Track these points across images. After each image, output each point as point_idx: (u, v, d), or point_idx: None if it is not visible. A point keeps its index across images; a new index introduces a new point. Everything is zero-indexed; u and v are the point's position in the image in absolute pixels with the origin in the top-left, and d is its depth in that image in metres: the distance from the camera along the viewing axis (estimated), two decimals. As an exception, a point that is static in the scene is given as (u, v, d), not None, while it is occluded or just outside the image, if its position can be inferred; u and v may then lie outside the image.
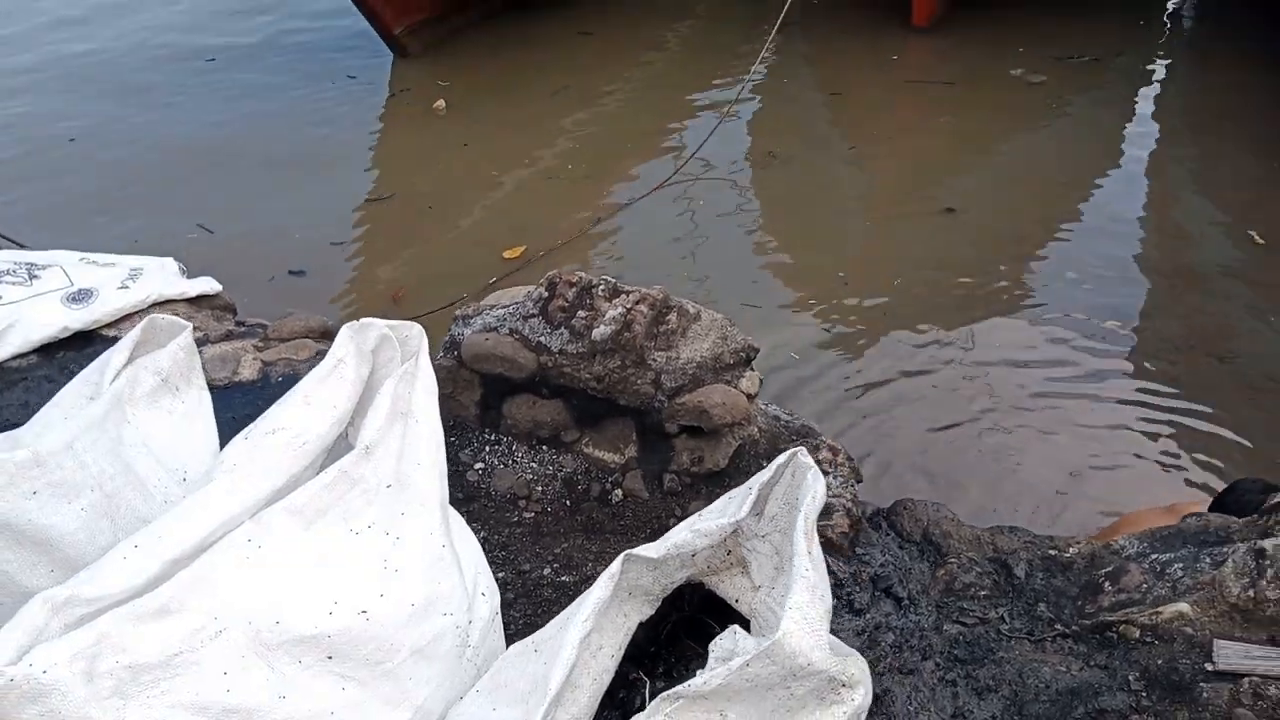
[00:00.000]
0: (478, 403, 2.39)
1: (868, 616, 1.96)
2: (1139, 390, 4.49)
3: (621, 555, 1.26)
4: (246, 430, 1.29)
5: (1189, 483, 3.85)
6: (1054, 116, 6.95)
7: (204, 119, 7.36)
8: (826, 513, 2.09)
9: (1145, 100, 7.18)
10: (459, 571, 1.32)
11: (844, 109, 7.34)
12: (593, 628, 1.20)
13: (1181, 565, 1.86)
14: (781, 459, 1.35)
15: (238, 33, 8.78)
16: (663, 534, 1.34)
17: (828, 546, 2.04)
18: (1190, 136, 6.74)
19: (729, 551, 1.38)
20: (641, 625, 1.31)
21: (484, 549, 1.99)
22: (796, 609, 1.15)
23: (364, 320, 1.39)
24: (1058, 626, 1.87)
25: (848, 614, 1.96)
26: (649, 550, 1.27)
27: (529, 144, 6.86)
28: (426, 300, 4.93)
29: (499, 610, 1.50)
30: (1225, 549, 1.83)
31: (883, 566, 2.10)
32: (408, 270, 5.65)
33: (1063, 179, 6.23)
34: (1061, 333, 4.86)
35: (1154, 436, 4.20)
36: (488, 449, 2.38)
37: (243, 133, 7.10)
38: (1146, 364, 4.66)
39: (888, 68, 7.75)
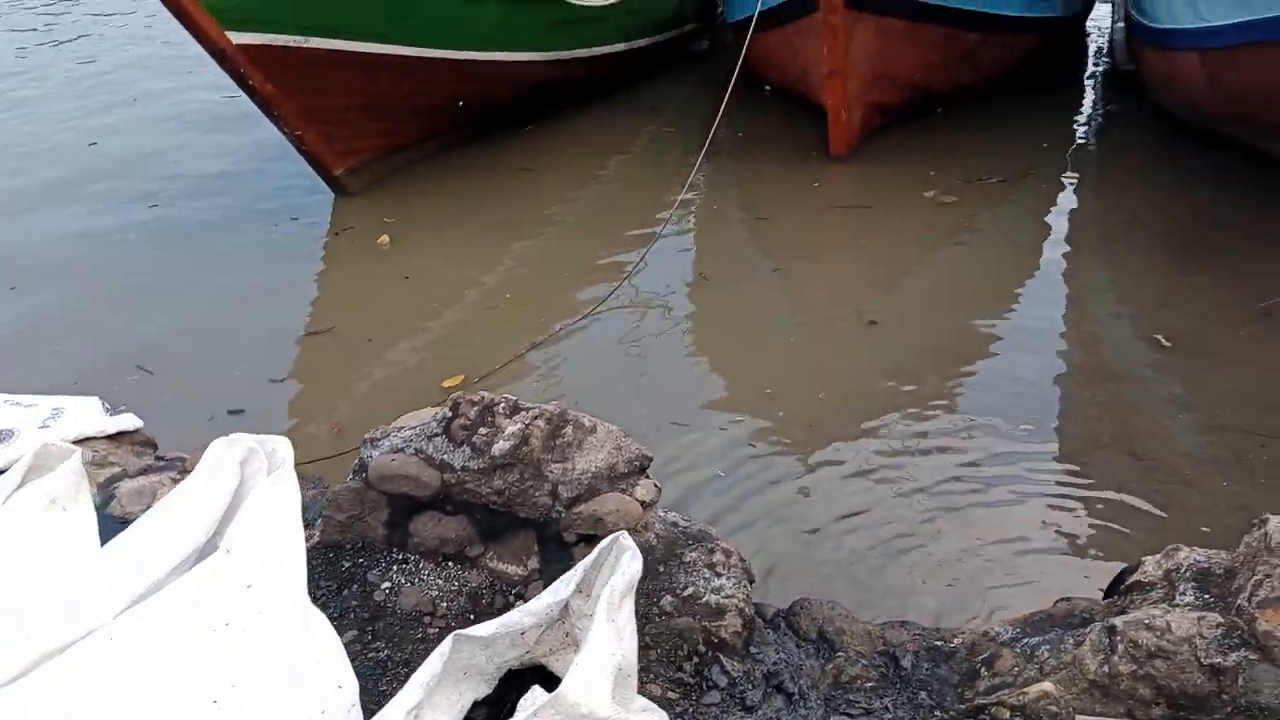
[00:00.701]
0: (385, 523, 2.47)
1: (759, 713, 2.02)
2: (1053, 487, 4.65)
3: (451, 635, 1.33)
4: (120, 536, 1.37)
5: (1087, 576, 3.96)
6: (967, 234, 7.34)
7: (144, 258, 7.50)
8: (719, 613, 2.17)
9: (1054, 216, 7.59)
10: (315, 664, 1.38)
11: (770, 232, 7.70)
12: (419, 700, 1.27)
13: (1048, 647, 1.95)
14: (605, 543, 1.45)
15: (180, 176, 9.03)
16: (561, 645, 1.42)
17: (720, 646, 2.12)
18: (1098, 248, 7.11)
19: (566, 633, 1.46)
20: (482, 704, 1.37)
21: (388, 666, 2.04)
22: (582, 664, 1.23)
23: (233, 435, 1.49)
24: (937, 713, 1.95)
25: (739, 711, 2.01)
26: (479, 630, 1.35)
27: (470, 275, 7.08)
28: (365, 431, 5.00)
29: (357, 703, 1.55)
30: (1086, 630, 1.94)
31: (775, 664, 2.17)
32: (347, 403, 5.73)
33: (978, 292, 6.52)
34: (978, 435, 5.04)
35: (1064, 531, 4.34)
36: (395, 568, 2.45)
37: (183, 272, 7.24)
38: (1060, 462, 4.83)
39: (810, 193, 8.17)
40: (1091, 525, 4.36)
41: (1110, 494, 4.58)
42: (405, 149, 8.62)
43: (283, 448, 1.49)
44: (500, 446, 2.26)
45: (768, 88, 10.28)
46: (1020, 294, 6.54)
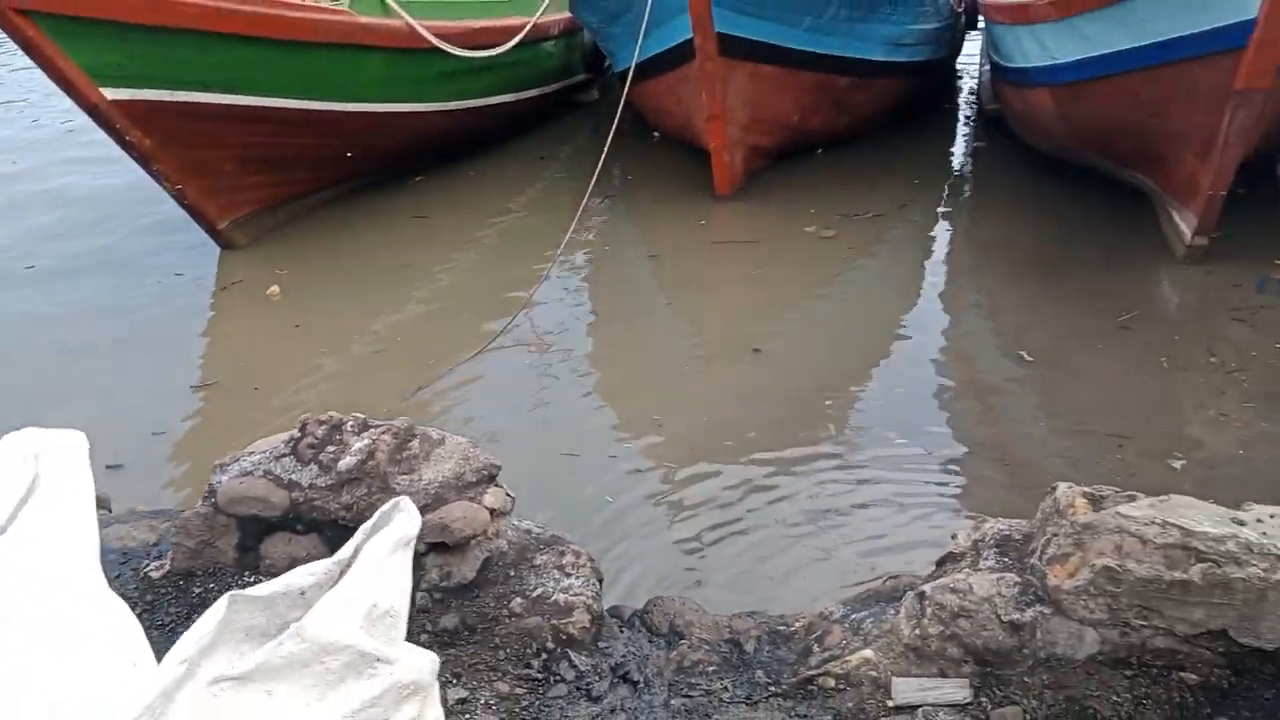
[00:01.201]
0: (236, 546, 2.47)
1: (605, 702, 2.08)
2: (926, 493, 4.84)
3: (227, 594, 1.37)
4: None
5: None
6: (848, 265, 7.64)
7: (24, 315, 7.29)
8: (568, 611, 2.23)
9: (927, 246, 7.97)
10: (110, 645, 1.40)
11: (661, 269, 7.89)
12: (192, 655, 1.30)
13: (872, 619, 2.07)
14: (385, 506, 1.51)
15: (59, 235, 8.80)
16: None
17: (569, 642, 2.18)
18: (968, 275, 7.46)
19: (346, 593, 1.50)
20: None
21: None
22: (332, 598, 1.29)
23: (26, 429, 1.51)
24: (772, 689, 2.03)
25: (585, 701, 2.07)
26: (258, 590, 1.39)
27: (361, 321, 7.05)
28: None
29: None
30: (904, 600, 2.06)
31: (624, 656, 2.23)
32: (230, 452, 5.63)
33: (858, 318, 6.80)
34: (856, 449, 5.23)
35: (932, 533, 4.51)
36: (248, 590, 2.44)
37: (64, 328, 7.05)
38: (933, 471, 5.03)
39: (698, 231, 8.41)
40: (959, 527, 4.55)
41: (978, 496, 4.81)
42: (292, 200, 8.59)
43: (76, 438, 1.51)
44: (346, 462, 2.29)
45: (656, 134, 10.57)
46: (897, 319, 6.82)
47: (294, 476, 2.37)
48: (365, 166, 9.08)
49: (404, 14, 8.37)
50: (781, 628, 2.28)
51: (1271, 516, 1.96)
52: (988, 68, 10.92)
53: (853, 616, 2.13)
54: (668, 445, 5.31)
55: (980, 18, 10.48)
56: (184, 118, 7.25)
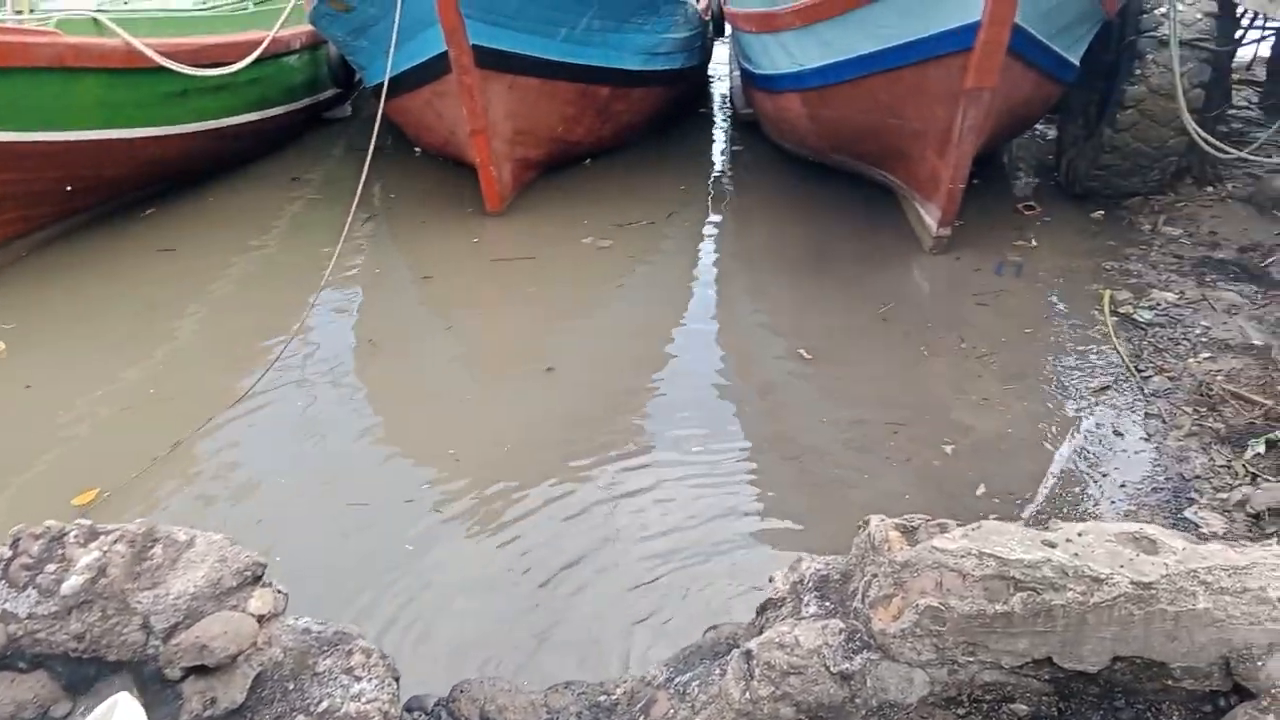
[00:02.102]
0: (-57, 698, 2.01)
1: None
2: (722, 497, 4.90)
3: None
4: None
5: (755, 587, 4.15)
6: (625, 275, 7.63)
7: None
8: (362, 721, 1.96)
9: (699, 251, 8.13)
10: None
11: (437, 291, 7.56)
12: None
13: (699, 682, 1.94)
14: (101, 708, 1.23)
15: None
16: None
17: (370, 756, 1.91)
18: (740, 277, 7.67)
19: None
20: None
21: None
22: None
23: None
24: (601, 772, 1.87)
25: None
26: None
27: (105, 373, 6.29)
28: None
29: None
30: (729, 657, 1.95)
31: (434, 760, 1.99)
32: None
33: (642, 329, 6.79)
34: (654, 461, 5.21)
35: (733, 540, 4.56)
36: (-33, 748, 2.00)
37: None
38: (727, 475, 5.09)
39: (472, 250, 8.15)
40: (754, 532, 4.62)
41: (771, 494, 4.91)
42: (6, 242, 7.56)
43: None
44: (72, 583, 1.90)
45: (417, 149, 10.18)
46: (679, 326, 6.88)
47: (8, 606, 1.95)
48: (89, 200, 8.14)
49: (121, 32, 7.53)
50: (603, 698, 2.12)
51: (1080, 535, 2.00)
52: (738, 74, 11.29)
53: (677, 680, 1.99)
54: (470, 483, 5.05)
55: (727, 25, 10.80)
56: None
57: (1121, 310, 6.57)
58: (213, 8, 9.48)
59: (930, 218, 7.44)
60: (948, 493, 4.86)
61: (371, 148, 7.55)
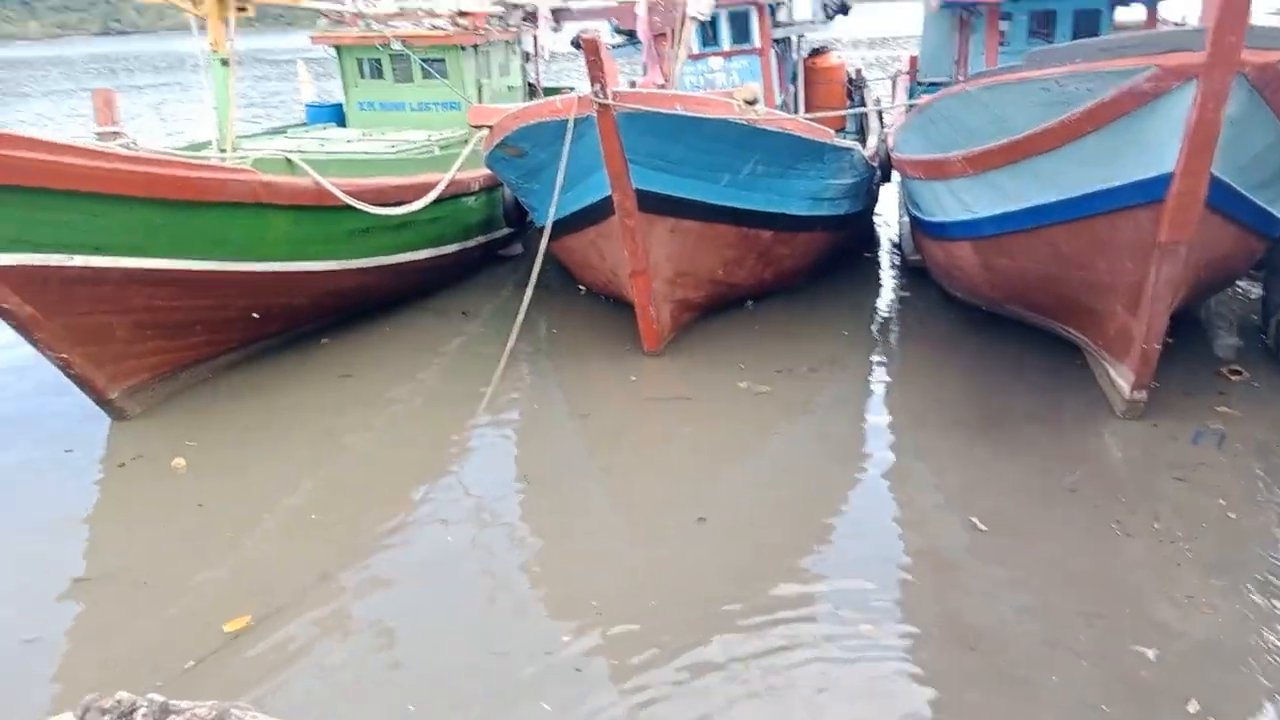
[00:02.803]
0: None
1: None
2: (890, 685, 4.44)
3: None
4: None
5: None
6: (784, 422, 7.39)
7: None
8: None
9: (862, 402, 7.78)
10: None
11: (593, 428, 7.53)
12: None
13: None
14: None
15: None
16: None
17: None
18: (907, 433, 7.22)
19: None
20: None
21: None
22: None
23: None
24: None
25: None
26: None
27: (275, 495, 6.49)
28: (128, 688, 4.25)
29: None
30: None
31: None
32: (111, 659, 4.95)
33: (802, 481, 6.49)
34: (816, 634, 4.84)
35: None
36: None
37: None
38: (895, 659, 4.65)
39: (629, 387, 8.12)
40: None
41: (944, 689, 4.41)
42: (192, 365, 8.04)
43: None
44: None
45: (581, 287, 10.39)
46: (841, 482, 6.52)
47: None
48: (273, 327, 8.62)
49: (311, 172, 8.08)
50: None
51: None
52: (906, 220, 11.12)
53: None
54: (610, 638, 4.83)
55: (895, 171, 10.71)
56: (72, 283, 6.74)
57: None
58: (400, 151, 10.12)
59: (1122, 379, 6.91)
60: (1153, 708, 4.27)
61: (531, 285, 7.72)
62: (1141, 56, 5.52)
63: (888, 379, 8.25)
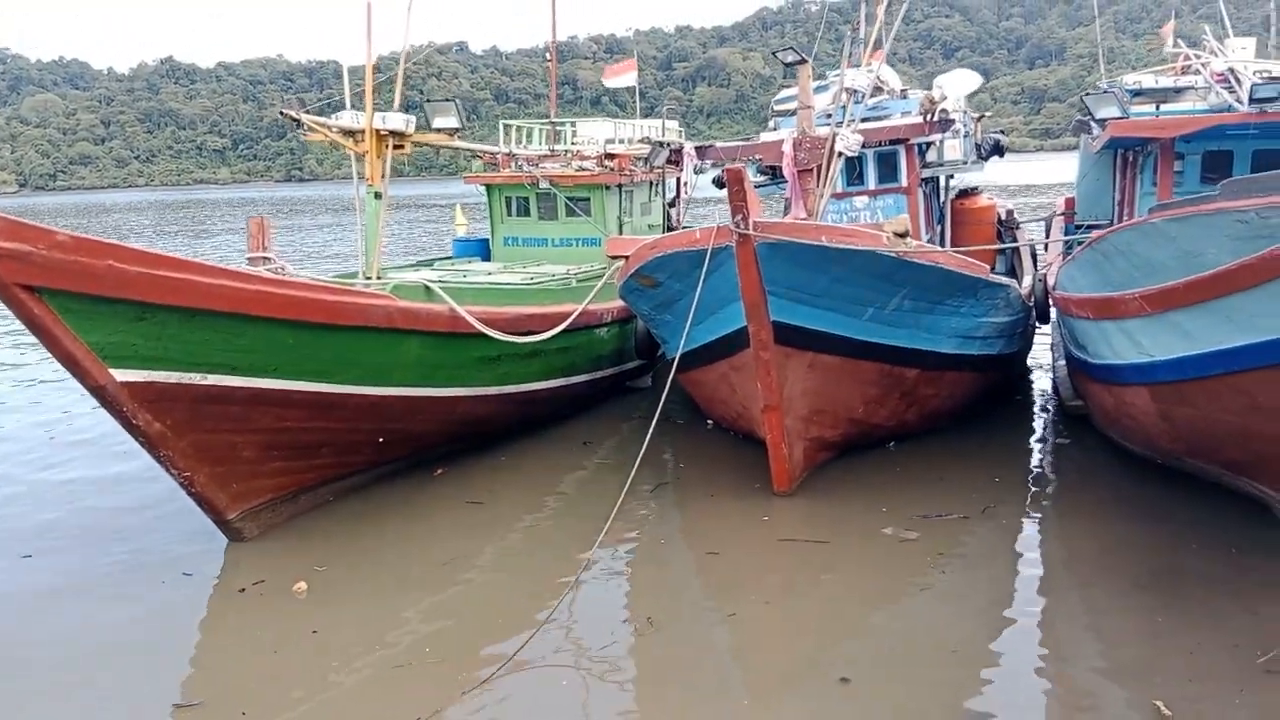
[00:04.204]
0: None
1: None
2: None
3: None
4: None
5: None
6: (935, 573, 6.73)
7: (7, 618, 6.57)
8: None
9: (1020, 556, 7.05)
10: None
11: (721, 569, 7.05)
12: None
13: None
14: None
15: (52, 529, 8.15)
16: None
17: None
18: (1072, 594, 6.51)
19: None
20: None
21: None
22: None
23: None
24: None
25: None
26: None
27: (389, 626, 6.25)
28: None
29: None
30: None
31: None
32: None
33: (955, 643, 5.81)
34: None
35: None
36: None
37: (46, 638, 6.28)
38: None
39: (760, 527, 7.64)
40: None
41: None
42: (314, 487, 8.01)
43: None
44: None
45: (710, 422, 10.06)
46: (1000, 647, 5.80)
47: None
48: (398, 452, 8.58)
49: (448, 299, 8.14)
50: None
51: None
52: (1063, 362, 10.39)
53: None
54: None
55: (1054, 310, 10.07)
56: (203, 401, 6.83)
57: None
58: (536, 282, 10.23)
59: (1332, 547, 5.97)
60: None
61: (657, 416, 7.46)
62: None
63: (1047, 531, 7.48)
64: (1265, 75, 9.23)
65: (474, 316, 8.23)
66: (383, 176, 9.37)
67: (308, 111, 9.09)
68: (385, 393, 7.92)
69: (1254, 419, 6.28)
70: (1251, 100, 8.70)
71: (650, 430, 7.41)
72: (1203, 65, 10.14)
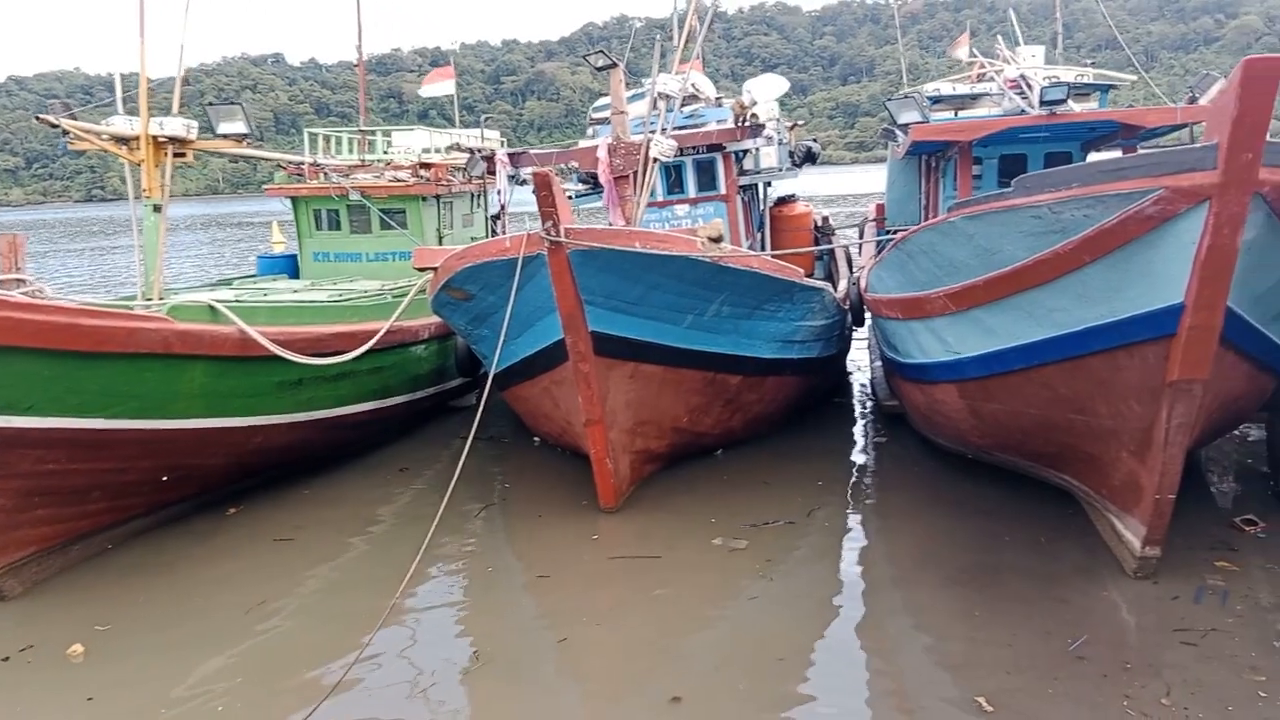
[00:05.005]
0: None
1: None
2: None
3: None
4: None
5: None
6: (762, 581, 6.65)
7: None
8: None
9: (845, 557, 7.07)
10: None
11: (552, 593, 6.73)
12: None
13: None
14: None
15: None
16: None
17: None
18: (895, 593, 6.54)
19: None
20: None
21: None
22: None
23: None
24: None
25: None
26: None
27: (176, 683, 5.58)
28: None
29: None
30: None
31: None
32: None
33: (784, 652, 5.73)
34: None
35: None
36: None
37: None
38: None
39: (590, 546, 7.39)
40: None
41: None
42: (89, 535, 7.15)
43: None
44: None
45: (536, 439, 9.71)
46: (828, 653, 5.74)
47: None
48: (186, 491, 7.80)
49: (236, 319, 7.43)
50: None
51: None
52: (879, 363, 10.63)
53: None
54: None
55: (867, 313, 10.29)
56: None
57: None
58: (344, 299, 9.57)
59: (1132, 533, 6.20)
60: None
61: (471, 437, 7.09)
62: (1147, 178, 5.03)
63: (869, 531, 7.54)
64: (1053, 79, 9.72)
65: (269, 338, 7.54)
66: (162, 188, 8.53)
67: (72, 118, 8.15)
68: (166, 426, 7.12)
69: (1055, 411, 6.48)
70: (1042, 103, 9.13)
71: (465, 451, 7.00)
72: (996, 73, 10.61)
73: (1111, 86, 10.83)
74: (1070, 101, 9.28)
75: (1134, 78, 11.94)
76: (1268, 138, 4.70)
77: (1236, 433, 8.84)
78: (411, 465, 9.53)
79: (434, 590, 6.68)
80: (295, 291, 10.60)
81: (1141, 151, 9.00)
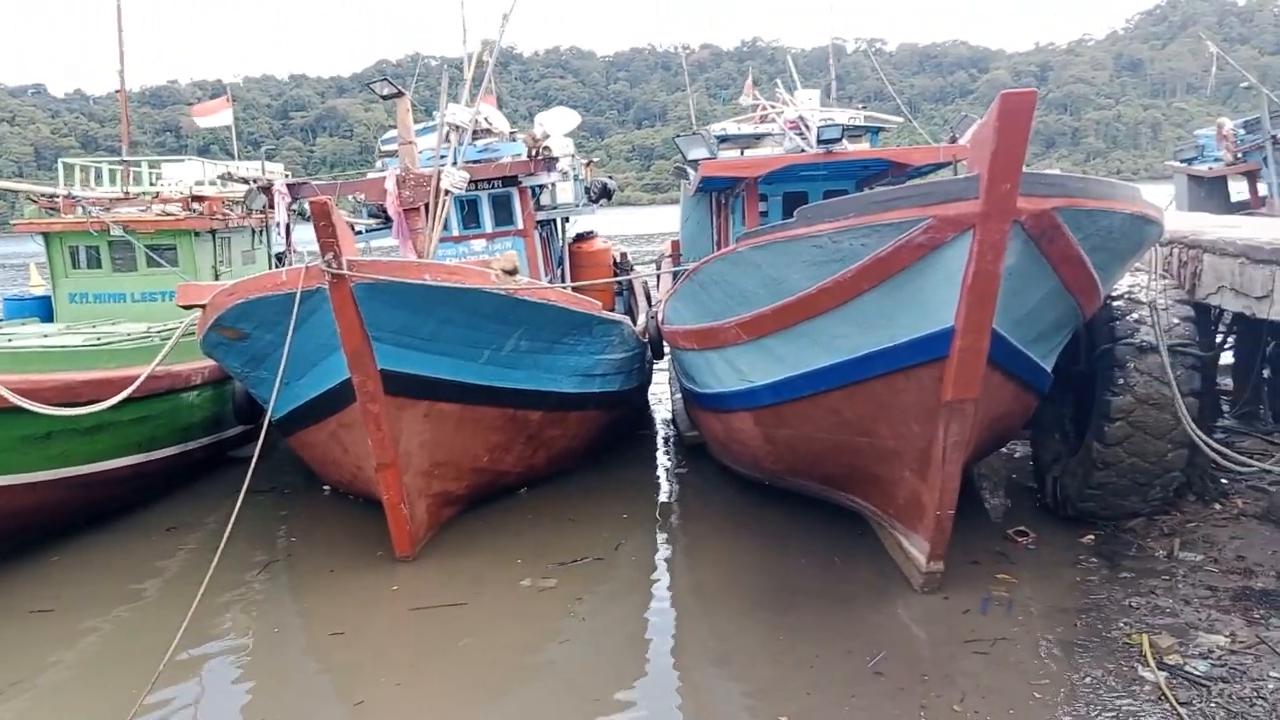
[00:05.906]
0: None
1: None
2: None
3: None
4: None
5: None
6: (574, 621, 6.51)
7: None
8: None
9: (653, 589, 7.04)
10: None
11: (349, 650, 6.25)
12: None
13: None
14: None
15: None
16: None
17: None
18: (702, 621, 6.56)
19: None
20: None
21: None
22: None
23: None
24: None
25: None
26: None
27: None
28: None
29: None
30: None
31: None
32: None
33: (596, 694, 5.57)
34: None
35: None
36: None
37: None
38: None
39: (390, 598, 6.97)
40: None
41: None
42: None
43: None
44: None
45: (326, 488, 9.13)
46: (639, 689, 5.65)
47: None
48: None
49: None
50: None
51: None
52: (679, 395, 10.74)
53: None
54: None
55: (666, 345, 10.40)
56: None
57: (1168, 660, 5.45)
58: (102, 343, 8.65)
59: (917, 550, 6.46)
60: None
61: (245, 489, 6.54)
62: (917, 207, 5.28)
63: (675, 562, 7.57)
64: (828, 120, 10.25)
65: (8, 386, 6.68)
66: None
67: None
68: None
69: (843, 434, 6.69)
70: (819, 142, 9.59)
71: (238, 504, 6.43)
72: (777, 114, 11.08)
73: (881, 128, 11.54)
74: (845, 141, 9.80)
75: (901, 119, 12.80)
76: (1023, 168, 5.05)
77: (1004, 450, 9.51)
78: (181, 524, 8.66)
79: (210, 660, 6.09)
80: (47, 336, 9.52)
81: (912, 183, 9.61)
